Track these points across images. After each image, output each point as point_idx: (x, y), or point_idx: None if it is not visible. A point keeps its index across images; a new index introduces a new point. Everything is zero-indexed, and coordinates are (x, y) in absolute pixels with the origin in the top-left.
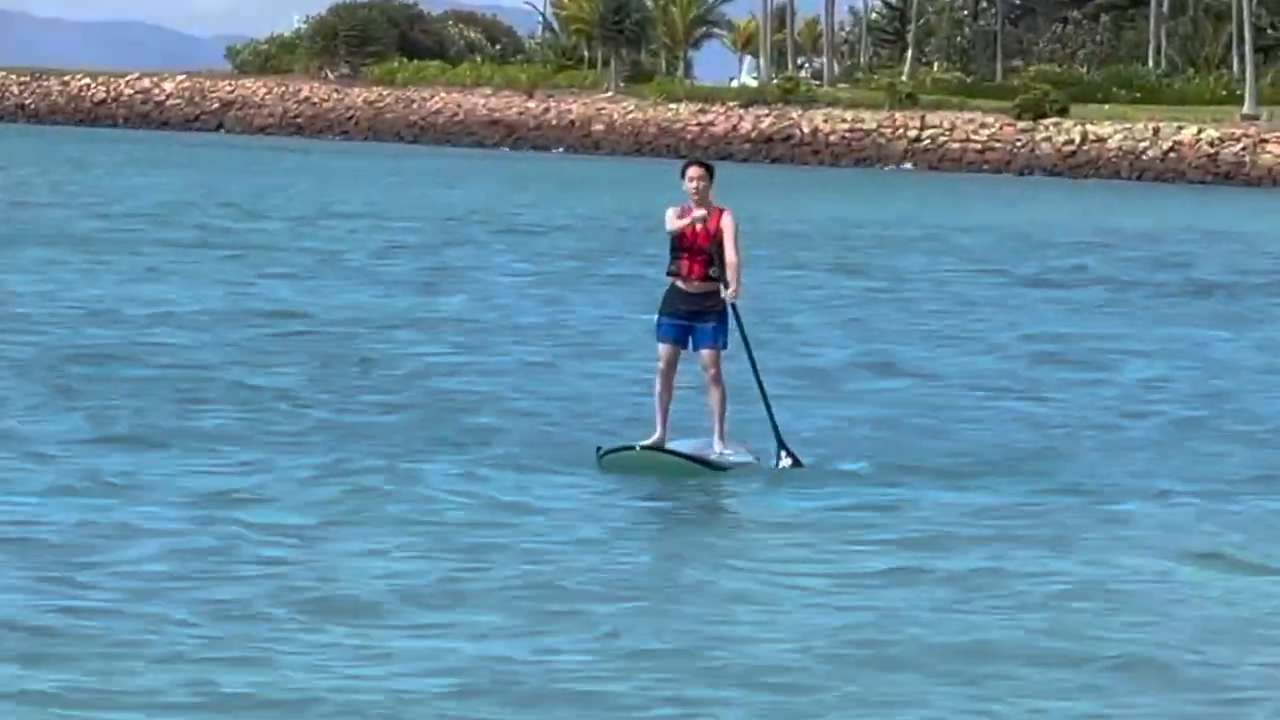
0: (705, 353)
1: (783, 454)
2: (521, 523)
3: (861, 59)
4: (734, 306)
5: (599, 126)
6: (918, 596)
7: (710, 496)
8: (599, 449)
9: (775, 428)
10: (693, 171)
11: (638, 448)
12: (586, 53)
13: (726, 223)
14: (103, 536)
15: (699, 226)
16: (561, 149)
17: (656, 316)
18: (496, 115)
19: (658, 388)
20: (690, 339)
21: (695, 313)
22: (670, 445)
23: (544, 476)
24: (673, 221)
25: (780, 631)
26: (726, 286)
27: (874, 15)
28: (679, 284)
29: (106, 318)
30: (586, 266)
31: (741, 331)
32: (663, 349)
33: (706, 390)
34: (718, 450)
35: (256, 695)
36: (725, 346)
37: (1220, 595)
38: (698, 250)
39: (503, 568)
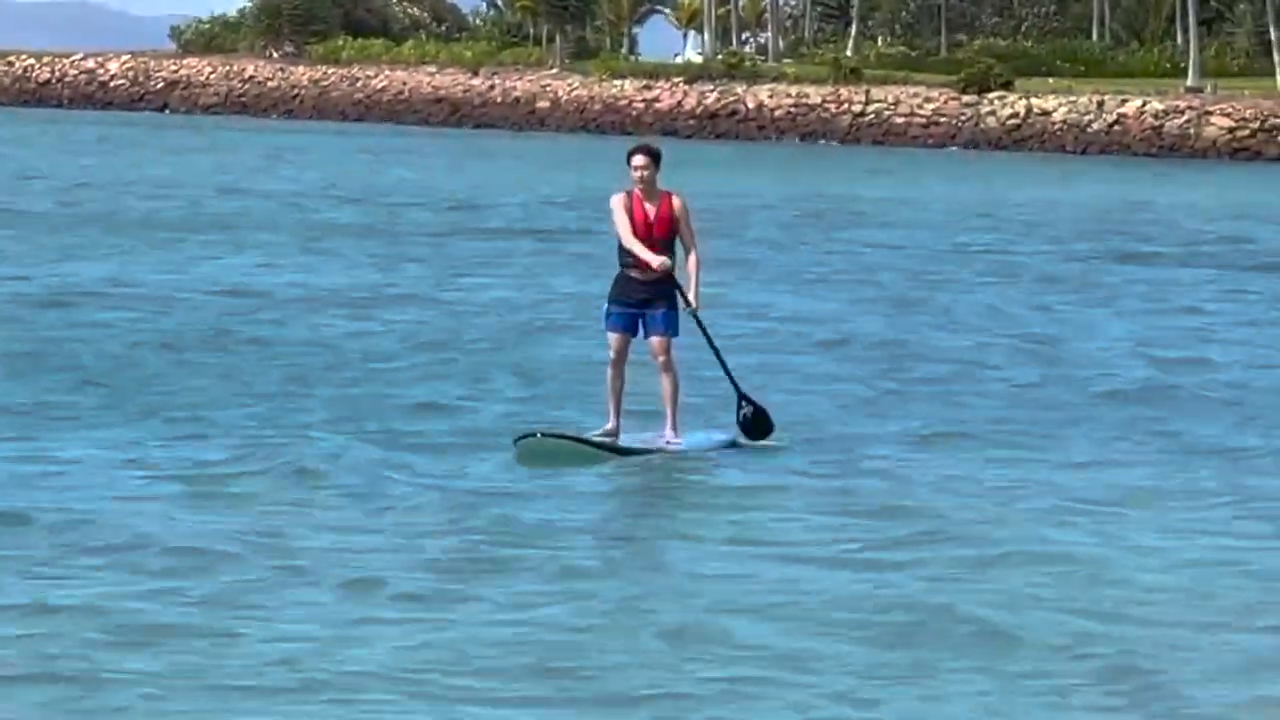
0: (655, 340)
1: (743, 404)
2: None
3: (806, 34)
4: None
5: (544, 104)
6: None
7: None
8: (515, 438)
9: (731, 379)
10: (638, 160)
11: (538, 434)
12: (531, 30)
13: (680, 210)
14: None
15: (652, 216)
16: (509, 127)
17: (604, 305)
18: (442, 93)
19: (609, 378)
20: (640, 325)
21: (646, 300)
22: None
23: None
24: (619, 223)
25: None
26: (685, 294)
27: None
28: (631, 273)
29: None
30: None
31: (706, 336)
32: (612, 338)
33: (658, 377)
34: (668, 439)
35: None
36: (676, 334)
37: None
38: (653, 242)
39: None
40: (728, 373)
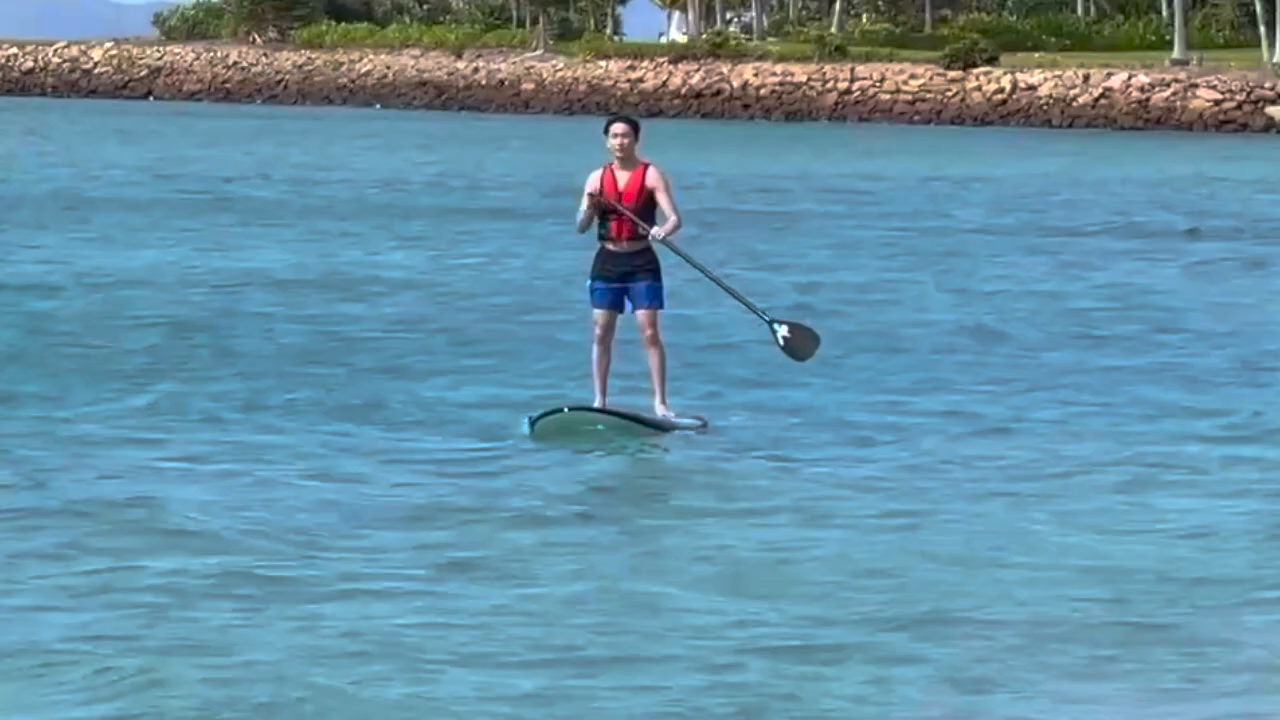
0: (641, 313)
1: (775, 326)
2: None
3: (790, 12)
4: (667, 242)
5: (529, 85)
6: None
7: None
8: (530, 418)
9: (750, 305)
10: (617, 128)
11: (565, 409)
12: (515, 12)
13: (655, 179)
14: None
15: (623, 185)
16: (492, 108)
17: (588, 282)
18: (426, 76)
19: (594, 355)
20: (626, 300)
21: (627, 273)
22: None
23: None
24: (587, 196)
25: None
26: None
27: None
28: (609, 246)
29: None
30: None
31: (685, 255)
32: (598, 314)
33: (645, 352)
34: (659, 414)
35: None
36: (662, 306)
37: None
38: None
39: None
40: (739, 297)
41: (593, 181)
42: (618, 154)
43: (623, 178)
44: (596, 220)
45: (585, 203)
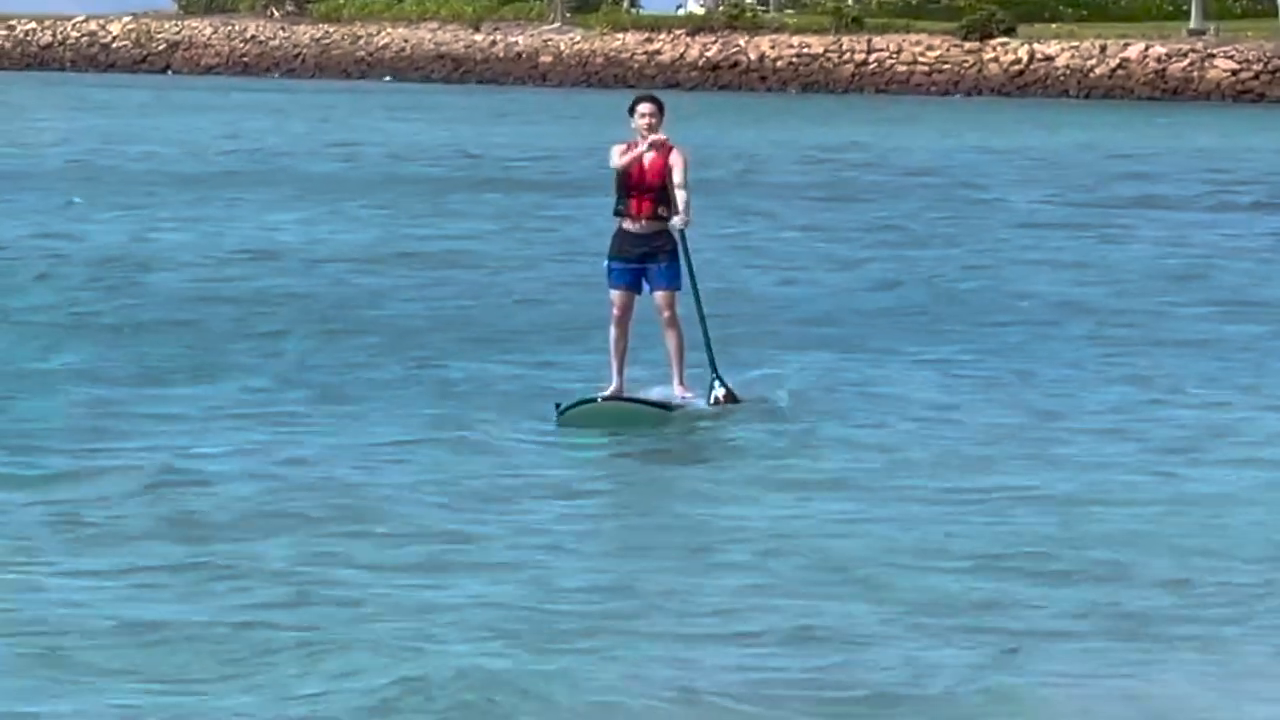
0: (659, 294)
1: (716, 384)
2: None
3: None
4: (683, 235)
5: (546, 58)
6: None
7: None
8: (558, 405)
9: (712, 360)
10: (643, 108)
11: (599, 399)
12: None
13: (676, 159)
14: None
15: (647, 163)
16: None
17: (605, 262)
18: (444, 49)
19: (612, 336)
20: (644, 281)
21: (646, 254)
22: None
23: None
24: (617, 159)
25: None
26: (676, 215)
27: None
28: (627, 225)
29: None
30: None
31: (687, 260)
32: (615, 295)
33: (662, 333)
34: (678, 395)
35: None
36: (680, 287)
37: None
38: (646, 189)
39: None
40: (709, 348)
41: (620, 150)
42: (645, 133)
43: (647, 157)
44: (615, 195)
45: (615, 150)
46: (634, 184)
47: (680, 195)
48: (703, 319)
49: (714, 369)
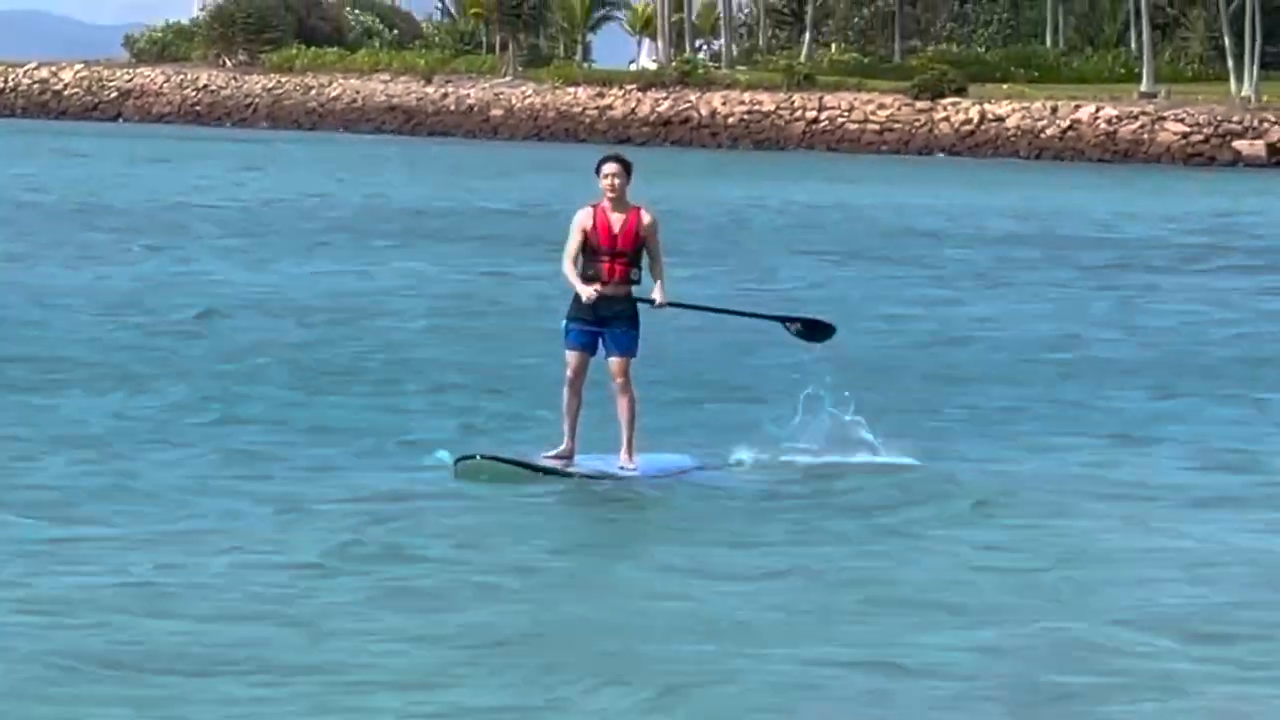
0: (614, 361)
1: (786, 325)
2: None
3: (760, 40)
4: (674, 304)
5: (498, 111)
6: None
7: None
8: (456, 457)
9: (759, 315)
10: (609, 168)
11: (478, 457)
12: (485, 37)
13: (649, 225)
14: None
15: (617, 227)
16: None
17: (564, 322)
18: (395, 101)
19: (565, 397)
20: (600, 344)
21: (605, 318)
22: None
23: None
24: (566, 261)
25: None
26: (656, 291)
27: None
28: (596, 289)
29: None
30: None
31: (690, 306)
32: (571, 356)
33: (615, 400)
34: (622, 464)
35: None
36: (635, 355)
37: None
38: (619, 254)
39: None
40: (750, 314)
41: (584, 219)
42: (610, 194)
43: (616, 220)
44: (583, 259)
45: (574, 239)
46: (605, 248)
47: (661, 270)
48: (730, 311)
49: (775, 317)
